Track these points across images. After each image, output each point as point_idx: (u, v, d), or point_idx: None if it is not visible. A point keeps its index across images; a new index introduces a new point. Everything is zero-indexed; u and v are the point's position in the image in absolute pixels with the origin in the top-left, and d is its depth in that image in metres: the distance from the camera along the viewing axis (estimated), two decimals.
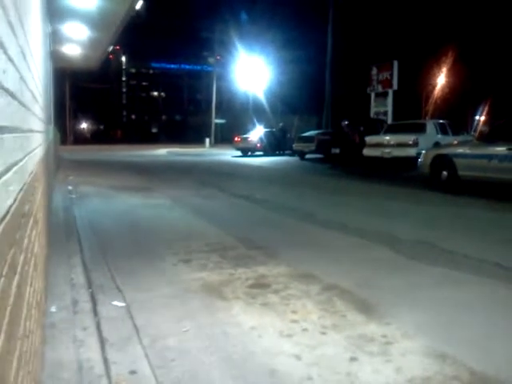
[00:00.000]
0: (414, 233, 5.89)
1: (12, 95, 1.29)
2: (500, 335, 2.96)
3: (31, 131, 2.51)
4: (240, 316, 3.21)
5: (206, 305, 3.39)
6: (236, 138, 28.71)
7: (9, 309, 0.98)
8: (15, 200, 1.21)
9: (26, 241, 1.54)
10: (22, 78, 1.97)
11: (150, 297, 3.54)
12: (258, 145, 26.65)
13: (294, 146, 24.00)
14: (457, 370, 2.50)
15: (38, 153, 3.30)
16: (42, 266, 2.79)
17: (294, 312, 3.27)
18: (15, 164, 1.29)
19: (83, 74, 37.54)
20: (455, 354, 2.67)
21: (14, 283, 1.11)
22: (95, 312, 3.17)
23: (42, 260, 2.83)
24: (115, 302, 3.35)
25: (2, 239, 0.94)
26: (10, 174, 1.13)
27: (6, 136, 1.10)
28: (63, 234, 5.59)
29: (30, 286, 1.66)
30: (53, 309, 3.13)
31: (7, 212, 1.02)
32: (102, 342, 2.74)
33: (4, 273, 0.94)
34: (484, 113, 38.99)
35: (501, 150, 8.61)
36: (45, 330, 2.73)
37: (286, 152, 26.37)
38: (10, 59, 1.25)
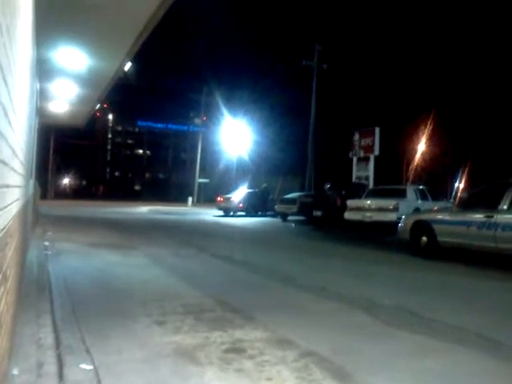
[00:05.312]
0: (393, 298, 5.83)
1: None
2: None
3: (7, 186, 2.50)
4: (213, 382, 3.09)
5: (178, 370, 3.26)
6: (219, 198, 28.80)
7: None
8: None
9: None
10: (1, 134, 1.97)
11: (119, 360, 3.40)
12: (241, 205, 26.74)
13: (276, 207, 24.10)
14: None
15: (14, 208, 3.26)
16: (7, 325, 2.68)
17: (268, 379, 3.16)
18: None
19: (69, 130, 37.86)
20: None
21: None
22: (61, 375, 3.02)
23: (8, 319, 2.72)
24: (83, 365, 3.21)
25: None
26: None
27: None
28: (35, 291, 5.42)
29: None
30: (15, 371, 2.98)
31: None
32: None
33: None
34: (463, 180, 39.98)
35: (479, 217, 8.72)
36: None
37: (268, 213, 26.44)
38: None
